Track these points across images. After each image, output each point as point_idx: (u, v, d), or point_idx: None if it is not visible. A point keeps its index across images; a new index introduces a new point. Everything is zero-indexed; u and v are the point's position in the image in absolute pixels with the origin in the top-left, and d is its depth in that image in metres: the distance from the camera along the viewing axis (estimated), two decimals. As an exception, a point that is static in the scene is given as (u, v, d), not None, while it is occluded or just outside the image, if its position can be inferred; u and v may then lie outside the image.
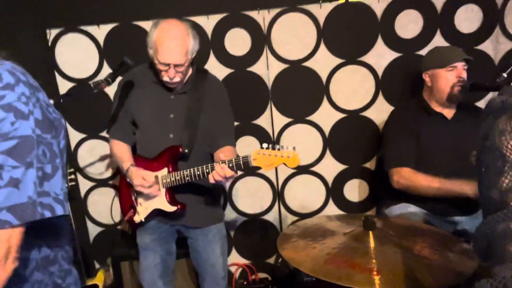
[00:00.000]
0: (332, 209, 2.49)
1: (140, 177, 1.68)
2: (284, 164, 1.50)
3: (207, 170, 1.60)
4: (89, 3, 2.25)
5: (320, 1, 2.21)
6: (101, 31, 2.28)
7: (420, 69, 2.01)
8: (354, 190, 2.48)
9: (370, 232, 1.10)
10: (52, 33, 2.27)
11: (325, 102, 2.35)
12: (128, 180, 1.75)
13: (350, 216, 1.48)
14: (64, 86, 2.33)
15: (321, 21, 2.24)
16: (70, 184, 2.18)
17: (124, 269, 2.25)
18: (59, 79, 2.33)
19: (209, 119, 1.76)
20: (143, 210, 1.79)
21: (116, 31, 2.28)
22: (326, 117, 2.37)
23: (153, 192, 1.71)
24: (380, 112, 2.32)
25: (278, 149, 1.49)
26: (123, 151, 1.81)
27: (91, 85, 1.49)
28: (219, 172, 1.52)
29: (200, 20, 2.25)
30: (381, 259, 1.00)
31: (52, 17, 2.26)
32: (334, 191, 2.47)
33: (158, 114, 1.76)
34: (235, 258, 2.57)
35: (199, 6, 2.24)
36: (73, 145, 2.41)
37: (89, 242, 2.51)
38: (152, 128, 1.77)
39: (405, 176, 1.86)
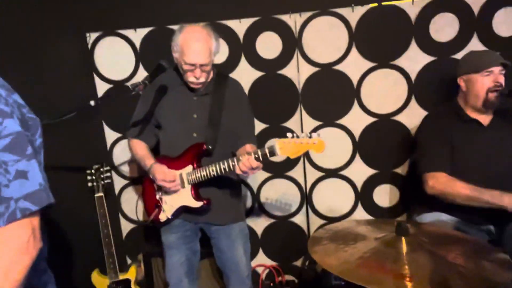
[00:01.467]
0: (361, 214, 2.47)
1: (162, 172, 1.75)
2: (310, 151, 1.53)
3: (233, 163, 1.65)
4: (126, 8, 2.34)
5: (352, 5, 2.20)
6: (137, 35, 2.36)
7: (456, 73, 1.96)
8: (384, 196, 2.44)
9: (403, 238, 1.09)
10: (91, 36, 2.38)
11: (355, 105, 2.33)
12: (151, 176, 1.81)
13: (380, 221, 1.46)
14: (102, 88, 2.43)
15: (353, 24, 2.23)
16: (106, 181, 2.28)
17: (155, 265, 2.32)
18: (97, 80, 2.43)
19: (231, 118, 1.83)
20: (169, 208, 1.85)
21: (152, 35, 2.36)
22: (356, 120, 2.35)
23: (175, 187, 1.77)
24: (413, 117, 2.28)
25: (303, 137, 1.53)
26: (144, 150, 1.88)
27: (130, 87, 1.56)
28: (245, 163, 1.57)
29: (232, 24, 2.30)
30: (414, 266, 0.99)
31: (92, 21, 2.37)
32: (363, 196, 2.45)
33: (182, 114, 1.83)
34: (262, 259, 2.59)
35: (231, 10, 2.28)
36: (109, 144, 2.50)
37: (121, 238, 2.60)
38: (176, 128, 1.84)
39: (441, 181, 1.81)
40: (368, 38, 2.24)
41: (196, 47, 1.67)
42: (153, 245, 2.34)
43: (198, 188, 1.81)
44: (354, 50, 2.26)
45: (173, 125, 1.84)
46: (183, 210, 1.84)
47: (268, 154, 1.57)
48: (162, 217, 1.86)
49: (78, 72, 2.41)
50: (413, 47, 2.22)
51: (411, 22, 2.20)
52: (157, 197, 1.87)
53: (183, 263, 1.91)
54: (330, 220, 2.49)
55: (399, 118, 2.32)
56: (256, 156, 1.58)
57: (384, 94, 2.30)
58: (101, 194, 2.20)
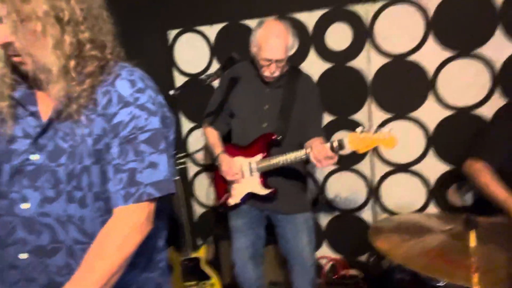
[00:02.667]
0: (434, 212, 2.34)
1: (227, 163, 1.86)
2: (381, 146, 1.50)
3: (301, 155, 1.69)
4: (204, 5, 2.50)
5: (430, -9, 2.09)
6: (212, 30, 2.51)
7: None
8: (460, 194, 2.29)
9: (472, 232, 1.04)
10: (172, 33, 2.59)
11: (430, 98, 2.22)
12: (217, 164, 1.92)
13: (450, 216, 1.40)
14: (180, 81, 2.64)
15: (431, 12, 2.12)
16: (181, 167, 2.46)
17: (223, 248, 2.47)
18: (176, 74, 2.64)
19: (301, 111, 1.86)
20: (237, 193, 1.94)
21: (225, 30, 2.49)
22: (431, 114, 2.23)
23: (236, 179, 1.86)
24: (496, 110, 2.10)
25: (374, 132, 1.50)
26: (215, 137, 1.99)
27: (204, 77, 1.68)
28: (321, 151, 1.59)
29: (302, 16, 2.33)
30: (482, 258, 0.95)
31: (173, 19, 2.57)
32: (437, 193, 2.32)
33: (254, 105, 1.91)
34: (326, 252, 2.60)
35: (302, 2, 2.32)
36: (184, 132, 2.70)
37: (194, 220, 2.79)
38: (248, 117, 1.92)
39: (477, 168, 1.68)
40: (446, 26, 2.11)
41: (273, 44, 1.72)
42: (221, 229, 2.48)
43: (266, 176, 1.88)
44: (430, 39, 2.15)
45: (245, 114, 1.93)
46: (251, 197, 1.93)
47: (337, 147, 1.58)
48: (231, 201, 1.97)
49: (160, 67, 2.64)
50: (499, 34, 2.04)
51: (496, 7, 2.02)
52: (227, 183, 1.99)
53: (249, 247, 2.00)
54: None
55: (480, 111, 2.15)
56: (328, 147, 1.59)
57: (463, 85, 2.15)
58: (177, 177, 2.38)
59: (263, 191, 1.87)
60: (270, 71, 1.78)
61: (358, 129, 1.53)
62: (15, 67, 0.92)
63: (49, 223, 0.92)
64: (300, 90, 1.87)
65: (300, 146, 1.87)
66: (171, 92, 1.65)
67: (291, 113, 1.85)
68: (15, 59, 0.89)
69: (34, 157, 0.93)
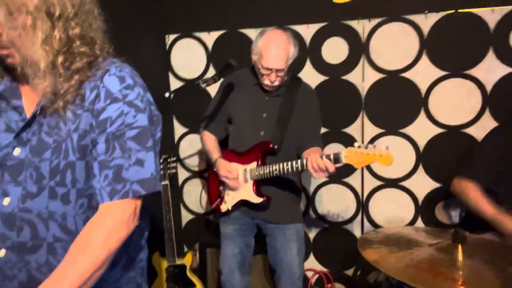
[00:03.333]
0: (423, 226, 2.35)
1: (225, 169, 1.84)
2: (376, 162, 1.50)
3: (296, 165, 1.68)
4: (203, 12, 2.52)
5: (426, 11, 2.14)
6: (210, 37, 2.53)
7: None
8: (447, 212, 2.31)
9: (459, 245, 1.05)
10: (170, 38, 2.59)
11: (422, 115, 2.25)
12: (215, 169, 1.91)
13: (438, 230, 1.41)
14: (175, 85, 2.63)
15: (426, 31, 2.17)
16: (171, 171, 2.45)
17: (209, 255, 2.44)
18: (171, 78, 2.64)
19: (299, 122, 1.86)
20: (230, 199, 1.93)
21: (223, 38, 2.51)
22: (422, 130, 2.27)
23: (235, 185, 1.85)
24: (485, 130, 2.12)
25: (372, 148, 1.51)
26: (213, 142, 1.98)
27: (201, 82, 1.68)
28: (319, 163, 1.56)
29: (300, 28, 2.36)
30: (469, 273, 0.95)
31: (171, 24, 2.58)
32: (425, 210, 2.34)
33: (252, 112, 1.90)
34: (313, 264, 2.59)
35: (300, 15, 2.35)
36: (176, 137, 2.69)
37: (181, 226, 2.76)
38: (245, 125, 1.92)
39: (465, 185, 1.71)
40: (441, 46, 2.16)
41: (275, 53, 1.72)
42: (208, 236, 2.46)
43: (259, 184, 1.87)
44: (424, 58, 2.20)
45: (243, 121, 1.93)
46: (243, 204, 1.91)
47: (332, 160, 1.58)
48: (223, 207, 1.95)
49: (156, 70, 2.64)
50: (490, 57, 2.10)
51: (489, 30, 2.08)
52: (220, 188, 1.98)
53: (236, 255, 1.98)
54: (387, 231, 2.42)
55: (469, 131, 2.19)
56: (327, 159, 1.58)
57: (455, 104, 2.20)
58: (166, 182, 2.36)
59: (256, 200, 1.86)
60: (270, 80, 1.79)
61: (356, 144, 1.52)
62: (0, 60, 0.91)
63: (30, 219, 0.90)
64: (299, 100, 1.88)
65: (296, 156, 1.87)
66: (166, 94, 1.65)
67: (289, 123, 1.85)
68: (1, 51, 0.88)
69: (16, 152, 0.92)
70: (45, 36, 0.85)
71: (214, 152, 1.94)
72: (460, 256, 1.00)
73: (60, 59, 0.88)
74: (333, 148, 2.41)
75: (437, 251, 1.11)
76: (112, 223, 0.88)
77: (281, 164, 1.74)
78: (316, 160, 1.58)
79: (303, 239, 1.98)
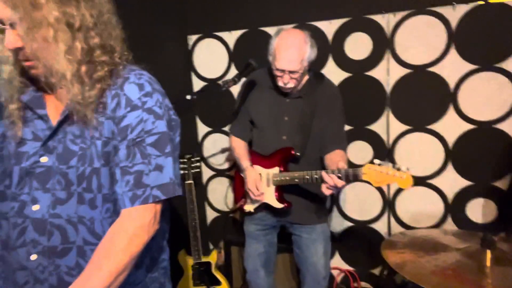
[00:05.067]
0: (451, 228, 2.28)
1: (253, 181, 1.80)
2: (396, 184, 1.46)
3: (316, 176, 1.66)
4: (224, 11, 2.52)
5: (454, 3, 2.06)
6: (232, 36, 2.53)
7: None
8: (479, 210, 2.22)
9: (488, 251, 1.01)
10: (192, 38, 2.62)
11: (450, 111, 2.17)
12: (243, 176, 1.89)
13: (467, 233, 1.36)
14: (198, 85, 2.66)
15: (454, 24, 2.08)
16: (195, 171, 2.48)
17: (234, 253, 2.46)
18: (194, 78, 2.67)
19: (322, 124, 1.81)
20: (253, 201, 1.93)
21: (244, 36, 2.50)
22: (450, 127, 2.18)
23: (259, 197, 1.82)
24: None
25: (392, 167, 1.47)
26: (242, 148, 1.95)
27: (221, 83, 1.69)
28: (329, 182, 1.55)
29: (322, 25, 2.32)
30: (498, 280, 0.91)
31: (193, 24, 2.61)
32: (455, 209, 2.26)
33: (273, 116, 1.87)
34: (338, 263, 2.56)
35: (322, 11, 2.31)
36: (200, 136, 2.72)
37: (206, 224, 2.80)
38: (267, 128, 1.89)
39: None
40: (470, 38, 2.07)
41: (287, 54, 1.66)
42: (233, 234, 2.48)
43: (282, 190, 1.85)
44: (452, 51, 2.11)
45: (264, 125, 1.90)
46: (266, 207, 1.91)
47: (351, 177, 1.54)
48: (247, 208, 1.96)
49: (179, 71, 2.67)
50: (524, 48, 1.99)
51: (523, 20, 1.97)
52: (245, 189, 1.98)
53: (261, 254, 1.99)
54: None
55: (502, 126, 2.09)
56: (339, 175, 1.55)
57: (486, 99, 2.10)
58: (191, 181, 2.40)
59: (277, 205, 1.85)
60: (284, 82, 1.73)
61: (376, 161, 1.48)
62: (24, 71, 0.94)
63: (60, 224, 0.93)
64: (321, 100, 1.81)
65: (320, 160, 1.84)
66: (188, 97, 1.66)
67: (311, 127, 1.80)
68: (26, 63, 0.91)
69: (44, 159, 0.95)
70: (67, 47, 0.88)
71: (244, 159, 1.90)
72: (488, 262, 0.96)
73: (83, 68, 0.91)
74: (358, 146, 2.37)
75: (464, 256, 1.07)
76: (133, 228, 0.91)
77: (302, 174, 1.72)
78: (329, 180, 1.54)
79: (329, 239, 1.96)
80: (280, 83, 1.76)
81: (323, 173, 1.58)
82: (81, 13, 0.90)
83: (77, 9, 0.89)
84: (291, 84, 1.74)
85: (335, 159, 1.69)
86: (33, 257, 0.93)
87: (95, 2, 0.93)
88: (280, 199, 1.85)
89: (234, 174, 2.13)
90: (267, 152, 1.88)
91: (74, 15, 0.88)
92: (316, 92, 1.82)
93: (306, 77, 1.85)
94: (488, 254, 0.97)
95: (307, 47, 1.70)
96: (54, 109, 0.98)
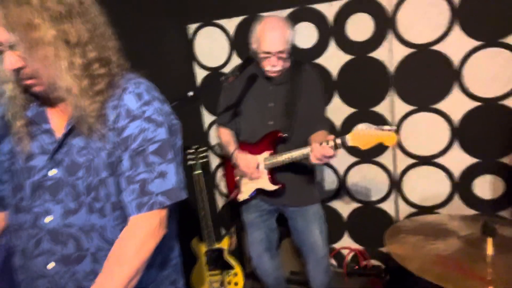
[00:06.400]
0: (458, 206, 2.30)
1: (244, 159, 1.88)
2: (382, 143, 1.53)
3: (305, 152, 1.71)
4: (223, -1, 2.48)
5: (457, -23, 2.00)
6: (231, 23, 2.51)
7: None
8: (486, 187, 2.23)
9: (489, 239, 1.03)
10: (192, 28, 2.60)
11: (455, 89, 2.15)
12: (233, 162, 1.95)
13: (474, 217, 1.37)
14: (200, 74, 2.66)
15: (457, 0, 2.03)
16: (203, 160, 2.52)
17: (245, 238, 2.53)
18: (196, 68, 2.67)
19: (306, 106, 1.86)
20: (246, 189, 1.98)
21: (244, 23, 2.47)
22: (455, 105, 2.17)
23: (257, 175, 1.88)
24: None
25: (375, 128, 1.52)
26: (228, 136, 2.00)
27: (222, 78, 1.70)
28: (319, 151, 1.60)
29: (322, 7, 2.28)
30: (499, 269, 0.93)
31: (192, 13, 2.58)
32: (462, 186, 2.27)
33: (258, 103, 1.91)
34: (347, 242, 2.62)
35: (323, -7, 2.26)
36: (206, 126, 2.75)
37: (216, 211, 2.87)
38: (253, 116, 1.93)
39: None
40: (474, 13, 2.01)
41: (271, 36, 1.74)
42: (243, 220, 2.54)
43: (274, 172, 1.90)
44: (456, 28, 2.06)
45: (250, 113, 1.94)
46: (260, 192, 1.96)
47: (338, 144, 1.60)
48: (240, 197, 2.01)
49: (180, 61, 2.67)
50: (530, 21, 1.94)
51: (529, -8, 1.91)
52: (237, 178, 2.02)
53: (263, 240, 2.05)
54: (422, 209, 2.39)
55: (508, 102, 2.07)
56: (328, 145, 1.60)
57: (491, 76, 2.07)
58: (199, 171, 2.44)
59: (271, 187, 1.90)
60: (271, 64, 1.78)
61: (360, 125, 1.53)
62: (26, 88, 0.96)
63: (73, 233, 0.98)
64: (303, 85, 1.87)
65: (307, 143, 1.87)
66: (190, 94, 1.68)
67: (296, 110, 1.86)
68: (27, 82, 0.93)
69: (53, 172, 0.98)
70: (68, 63, 0.90)
71: (230, 145, 1.96)
72: (489, 251, 0.98)
73: (84, 82, 0.93)
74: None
75: (467, 244, 1.09)
76: (141, 234, 0.95)
77: (291, 153, 1.77)
78: (318, 149, 1.60)
79: (323, 218, 2.02)
80: (268, 67, 1.80)
81: (313, 144, 1.64)
82: (77, 29, 0.91)
83: (72, 26, 0.90)
84: (279, 67, 1.80)
85: (319, 137, 1.75)
86: (51, 265, 0.98)
87: (89, 17, 0.94)
88: (273, 181, 1.90)
89: (224, 166, 2.15)
90: (255, 139, 1.92)
91: (70, 32, 0.90)
92: (298, 77, 1.87)
93: (288, 64, 1.88)
94: (490, 242, 0.99)
95: (288, 28, 1.79)
96: (58, 122, 1.01)
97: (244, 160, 1.89)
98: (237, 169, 1.97)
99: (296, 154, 1.76)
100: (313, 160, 1.64)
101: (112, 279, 0.90)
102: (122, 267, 0.91)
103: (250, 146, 1.94)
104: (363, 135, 1.54)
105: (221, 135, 2.05)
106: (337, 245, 2.63)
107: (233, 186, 2.05)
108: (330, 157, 1.60)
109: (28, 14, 0.85)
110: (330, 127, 1.95)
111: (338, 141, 1.60)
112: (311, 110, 1.88)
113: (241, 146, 1.96)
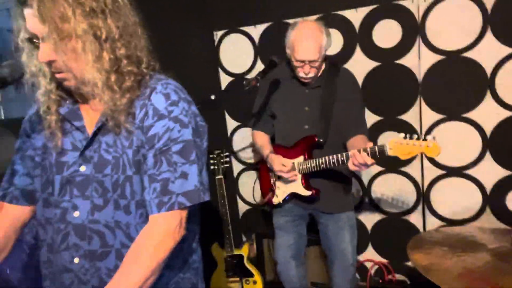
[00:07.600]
0: (490, 220, 2.19)
1: (279, 163, 1.86)
2: (423, 154, 1.48)
3: (342, 158, 1.68)
4: (249, 6, 2.51)
5: (490, -18, 1.93)
6: (256, 30, 2.52)
7: None
8: (521, 201, 2.12)
9: (521, 252, 0.97)
10: (218, 34, 2.63)
11: (488, 97, 2.06)
12: (268, 165, 1.94)
13: (505, 230, 1.29)
14: (225, 80, 2.68)
15: (489, 5, 1.95)
16: (225, 165, 2.53)
17: (265, 245, 2.51)
18: (221, 74, 2.69)
19: (342, 110, 1.83)
20: (281, 193, 1.96)
21: (269, 30, 2.49)
22: (488, 114, 2.08)
23: (291, 177, 1.86)
24: None
25: (417, 138, 1.47)
26: (264, 140, 2.01)
27: (245, 83, 1.70)
28: (358, 159, 1.56)
29: (348, 13, 2.26)
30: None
31: (219, 20, 2.62)
32: (494, 200, 2.16)
33: (294, 107, 1.90)
34: (371, 255, 2.53)
35: (348, 0, 2.24)
36: (229, 131, 2.76)
37: (238, 217, 2.86)
38: (288, 120, 1.92)
39: None
40: (507, 20, 1.93)
41: (306, 45, 1.72)
42: (265, 226, 2.52)
43: (308, 177, 1.88)
44: (489, 35, 1.99)
45: (286, 117, 1.94)
46: (294, 197, 1.94)
47: (377, 153, 1.55)
48: (275, 200, 2.00)
49: (206, 67, 2.70)
50: None
51: None
52: (272, 182, 2.01)
53: (291, 245, 2.02)
54: (451, 223, 2.28)
55: (545, 112, 1.96)
56: (366, 153, 1.56)
57: (527, 84, 1.97)
58: (221, 176, 2.45)
59: (305, 193, 1.88)
60: (305, 72, 1.78)
61: (401, 135, 1.48)
62: (60, 84, 0.99)
63: (98, 229, 0.99)
64: (339, 88, 1.84)
65: (343, 146, 1.85)
66: (213, 97, 1.69)
67: (332, 114, 1.83)
68: (58, 75, 0.95)
69: (82, 168, 1.00)
70: (96, 57, 0.92)
71: (265, 148, 1.97)
72: (521, 265, 0.92)
73: (112, 78, 0.95)
74: (389, 136, 2.29)
75: (495, 257, 1.03)
76: (159, 234, 0.95)
77: (327, 158, 1.74)
78: (357, 157, 1.55)
79: (355, 227, 1.98)
80: (301, 74, 1.80)
81: (353, 150, 1.60)
82: (108, 25, 0.93)
83: (103, 21, 0.93)
84: (311, 74, 1.79)
85: (358, 142, 1.71)
86: (76, 260, 1.00)
87: (120, 15, 0.96)
88: (307, 186, 1.87)
89: (260, 169, 2.15)
90: (290, 143, 1.91)
91: (100, 27, 0.92)
92: (334, 81, 1.85)
93: (323, 67, 1.87)
94: (521, 255, 0.93)
95: (323, 36, 1.75)
96: (90, 119, 1.03)
97: (278, 162, 1.87)
98: (271, 172, 1.96)
99: (332, 160, 1.73)
100: (351, 167, 1.60)
101: (129, 277, 0.90)
102: (139, 266, 0.91)
103: (285, 149, 1.93)
104: (404, 145, 1.49)
105: (255, 138, 2.05)
106: (360, 257, 2.55)
107: (268, 189, 2.04)
108: (369, 165, 1.56)
109: (61, 7, 0.87)
110: (368, 132, 1.90)
111: (377, 149, 1.55)
112: (347, 113, 1.85)
113: (277, 149, 1.96)
